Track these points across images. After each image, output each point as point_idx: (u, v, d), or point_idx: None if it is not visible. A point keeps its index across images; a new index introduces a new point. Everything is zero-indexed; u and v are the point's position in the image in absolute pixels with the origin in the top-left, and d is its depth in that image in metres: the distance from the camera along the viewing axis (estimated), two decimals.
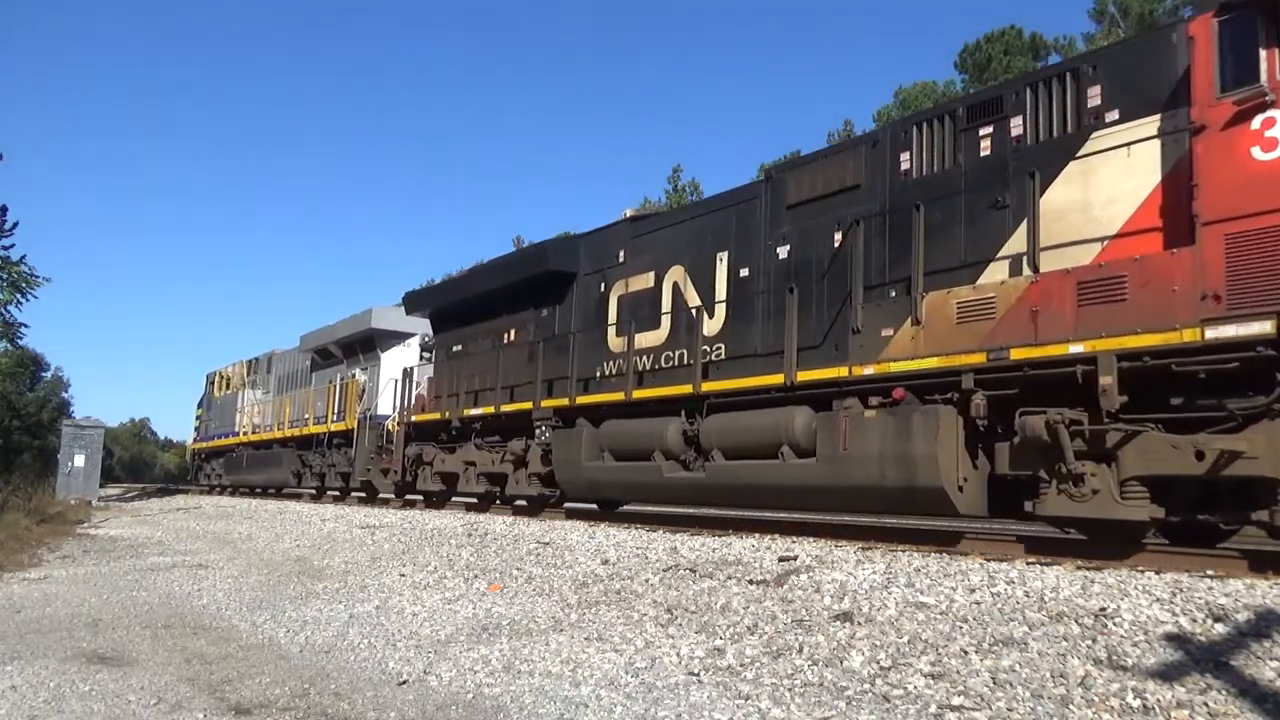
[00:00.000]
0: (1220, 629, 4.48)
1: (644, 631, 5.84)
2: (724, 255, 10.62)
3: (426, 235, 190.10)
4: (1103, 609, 4.91)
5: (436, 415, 15.72)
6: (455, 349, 15.94)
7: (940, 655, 4.67)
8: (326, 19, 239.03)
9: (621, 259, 12.21)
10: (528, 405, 13.06)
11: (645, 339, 11.46)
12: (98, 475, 29.43)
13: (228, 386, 30.78)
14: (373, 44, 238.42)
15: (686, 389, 10.38)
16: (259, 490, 27.50)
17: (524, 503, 14.08)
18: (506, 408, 13.63)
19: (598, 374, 12.15)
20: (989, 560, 6.78)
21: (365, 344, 21.11)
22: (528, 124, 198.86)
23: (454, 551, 9.95)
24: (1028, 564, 6.45)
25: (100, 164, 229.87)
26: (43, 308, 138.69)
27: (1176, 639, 4.41)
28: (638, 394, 11.13)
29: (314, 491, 23.31)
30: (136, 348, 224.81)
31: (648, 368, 11.31)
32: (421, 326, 18.76)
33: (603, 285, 12.48)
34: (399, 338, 20.39)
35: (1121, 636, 4.54)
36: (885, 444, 8.05)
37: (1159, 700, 3.82)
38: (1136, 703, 3.84)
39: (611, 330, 12.11)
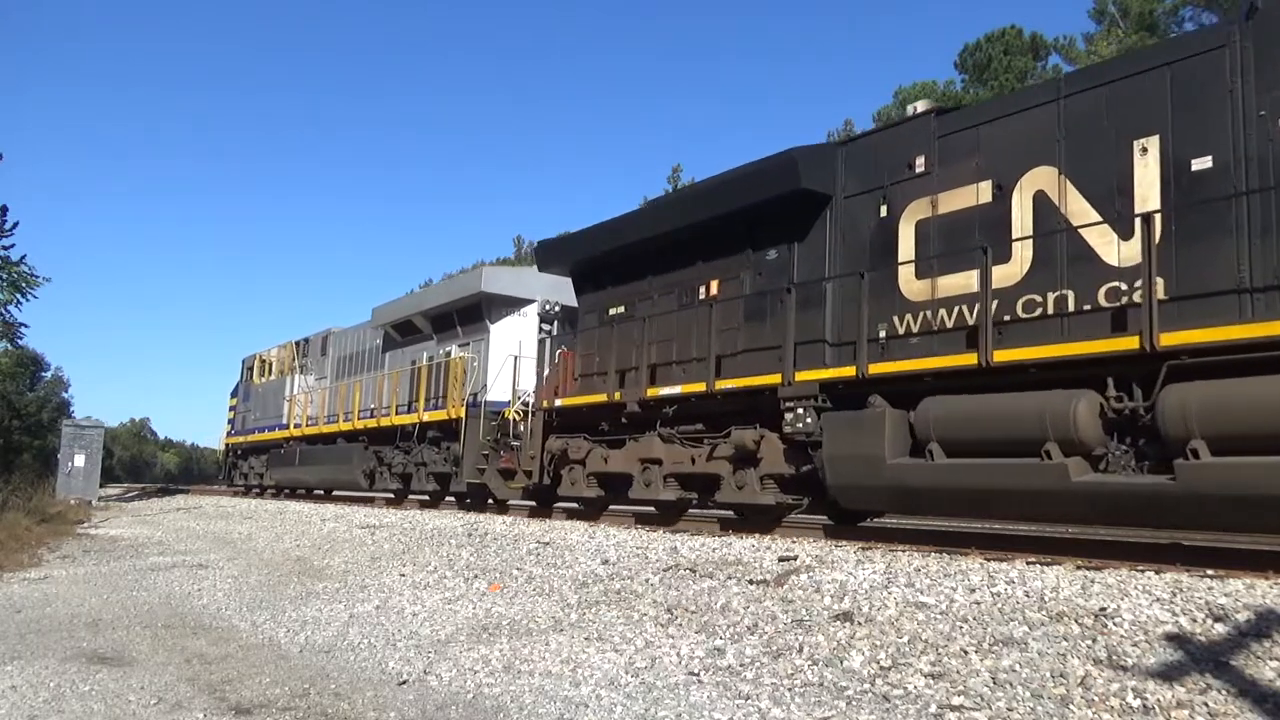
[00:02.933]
0: (1220, 629, 4.48)
1: (644, 631, 5.84)
2: (1149, 142, 7.21)
3: (422, 235, 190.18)
4: (1103, 609, 4.91)
5: (600, 397, 11.78)
6: (614, 311, 12.35)
7: (940, 655, 4.67)
8: (321, 10, 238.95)
9: (920, 168, 8.78)
10: (769, 379, 9.42)
11: (969, 279, 8.03)
12: (98, 475, 29.45)
13: (270, 372, 26.60)
14: (362, 42, 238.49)
15: (1123, 344, 6.81)
16: (315, 493, 23.90)
17: (734, 515, 10.97)
18: (727, 384, 10.00)
19: (882, 333, 8.71)
20: (989, 560, 6.78)
21: (467, 314, 17.08)
22: (524, 123, 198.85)
23: (454, 551, 9.95)
24: (1028, 564, 6.45)
25: (99, 162, 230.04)
26: (43, 308, 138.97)
27: (1176, 639, 4.41)
28: (1006, 355, 7.48)
29: (391, 496, 19.45)
30: (136, 348, 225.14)
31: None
32: (539, 290, 15.81)
33: (884, 208, 9.02)
34: (513, 305, 16.46)
35: (1121, 636, 4.54)
36: None
37: (1159, 700, 3.82)
38: (1136, 703, 3.84)
39: (906, 270, 8.67)
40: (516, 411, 14.19)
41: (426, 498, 18.16)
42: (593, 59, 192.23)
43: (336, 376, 22.52)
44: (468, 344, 16.91)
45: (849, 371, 8.66)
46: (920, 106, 9.40)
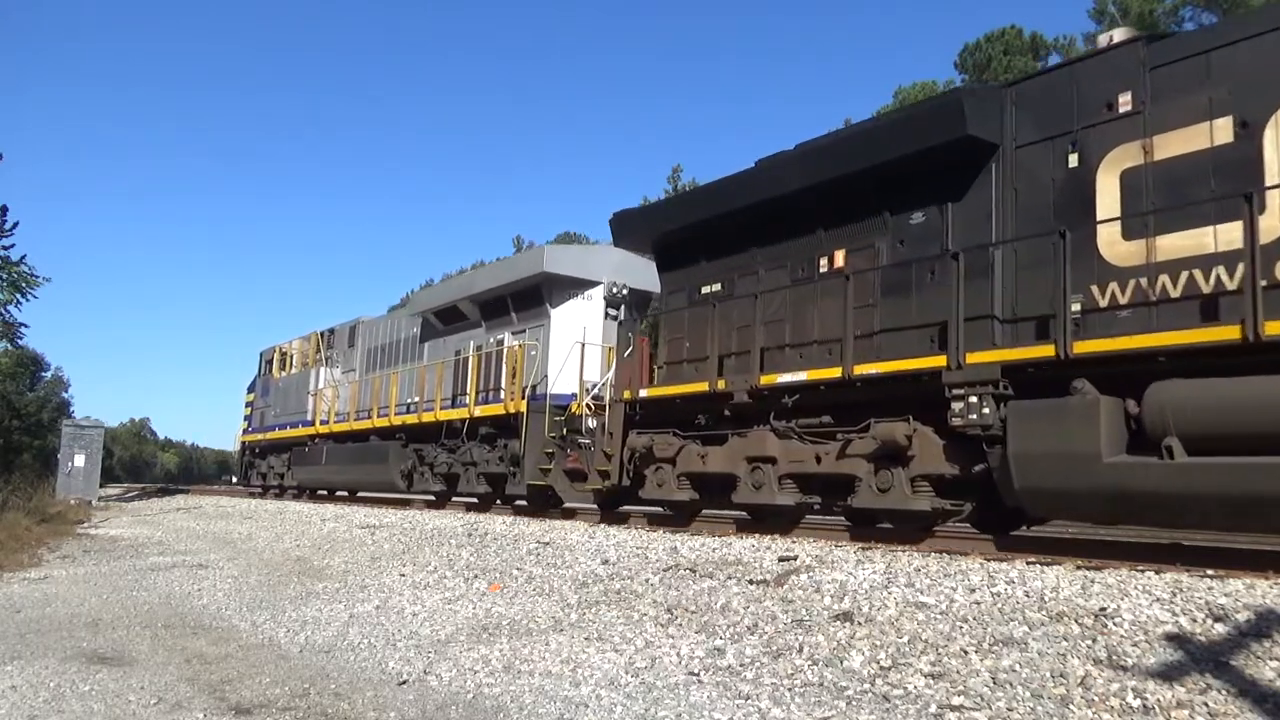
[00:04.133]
0: (1220, 629, 4.48)
1: (644, 631, 5.84)
2: None
3: (422, 236, 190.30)
4: (1103, 609, 4.91)
5: (699, 386, 10.19)
6: (707, 289, 10.88)
7: (940, 655, 4.67)
8: (321, 10, 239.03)
9: (1126, 106, 7.33)
10: (929, 362, 7.93)
11: (1203, 238, 6.62)
12: (98, 475, 29.49)
13: (291, 365, 24.62)
14: (363, 45, 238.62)
15: None
16: (342, 495, 22.26)
17: (847, 521, 9.64)
18: (870, 369, 8.43)
19: (1076, 306, 7.21)
20: (989, 560, 6.78)
21: (524, 298, 15.34)
22: (524, 123, 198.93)
23: (454, 551, 9.95)
24: (1028, 564, 6.45)
25: (99, 162, 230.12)
26: (43, 308, 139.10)
27: (1176, 639, 4.41)
28: None
29: (432, 499, 17.64)
30: (136, 348, 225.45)
31: (1228, 286, 6.44)
32: (605, 271, 14.46)
33: (1073, 157, 7.59)
34: (579, 287, 14.80)
35: (1121, 636, 4.54)
36: None
37: (1159, 700, 3.83)
38: (1136, 703, 3.84)
39: (1108, 230, 7.18)
40: (586, 405, 12.82)
41: (475, 500, 16.32)
42: (593, 59, 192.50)
43: (367, 369, 20.73)
44: (523, 331, 15.20)
45: (1045, 351, 7.11)
46: (1118, 35, 7.85)
